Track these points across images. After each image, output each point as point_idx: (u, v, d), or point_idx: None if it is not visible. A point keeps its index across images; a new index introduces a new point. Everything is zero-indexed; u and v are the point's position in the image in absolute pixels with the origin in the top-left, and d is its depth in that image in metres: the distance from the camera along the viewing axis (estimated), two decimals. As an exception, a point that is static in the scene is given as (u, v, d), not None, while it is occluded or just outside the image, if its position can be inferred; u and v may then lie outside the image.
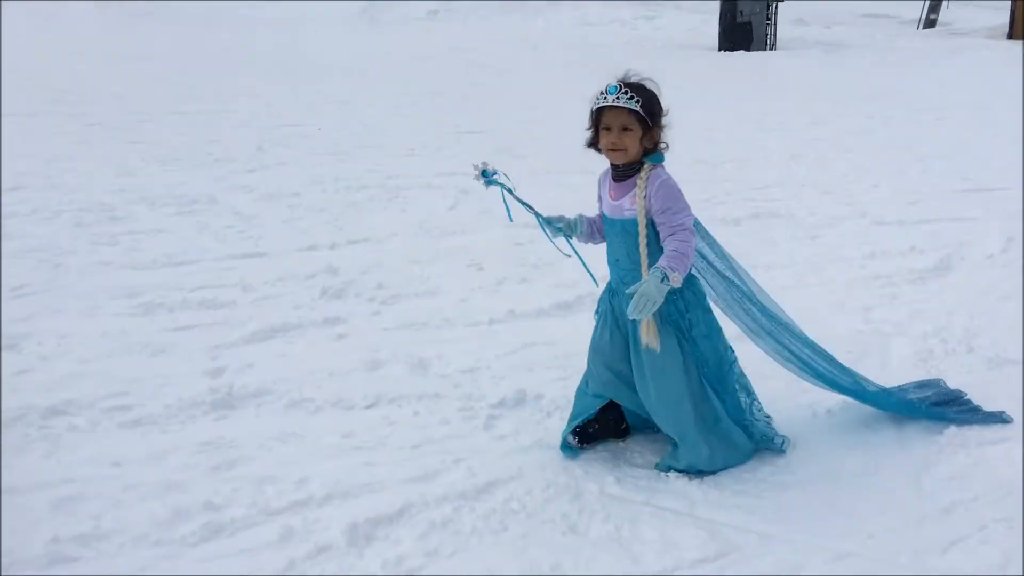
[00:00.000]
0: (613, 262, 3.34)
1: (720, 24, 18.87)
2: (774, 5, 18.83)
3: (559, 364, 4.39)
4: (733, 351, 3.48)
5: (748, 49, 18.30)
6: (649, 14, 23.51)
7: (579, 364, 4.39)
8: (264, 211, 6.95)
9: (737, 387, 3.47)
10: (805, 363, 3.61)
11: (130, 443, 3.63)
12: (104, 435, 3.69)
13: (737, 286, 3.50)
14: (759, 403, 3.58)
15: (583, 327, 4.89)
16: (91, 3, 22.57)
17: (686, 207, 3.13)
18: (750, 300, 3.51)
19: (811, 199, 7.45)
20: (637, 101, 3.05)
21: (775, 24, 18.93)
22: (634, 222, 3.13)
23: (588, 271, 3.50)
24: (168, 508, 3.15)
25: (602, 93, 3.10)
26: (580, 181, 8.08)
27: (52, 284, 5.29)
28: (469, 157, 8.65)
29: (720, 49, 18.56)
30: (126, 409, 3.87)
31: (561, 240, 3.47)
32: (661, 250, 3.09)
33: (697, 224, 3.31)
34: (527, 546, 2.99)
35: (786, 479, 3.40)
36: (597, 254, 3.56)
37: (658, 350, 3.18)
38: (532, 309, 5.11)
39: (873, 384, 3.75)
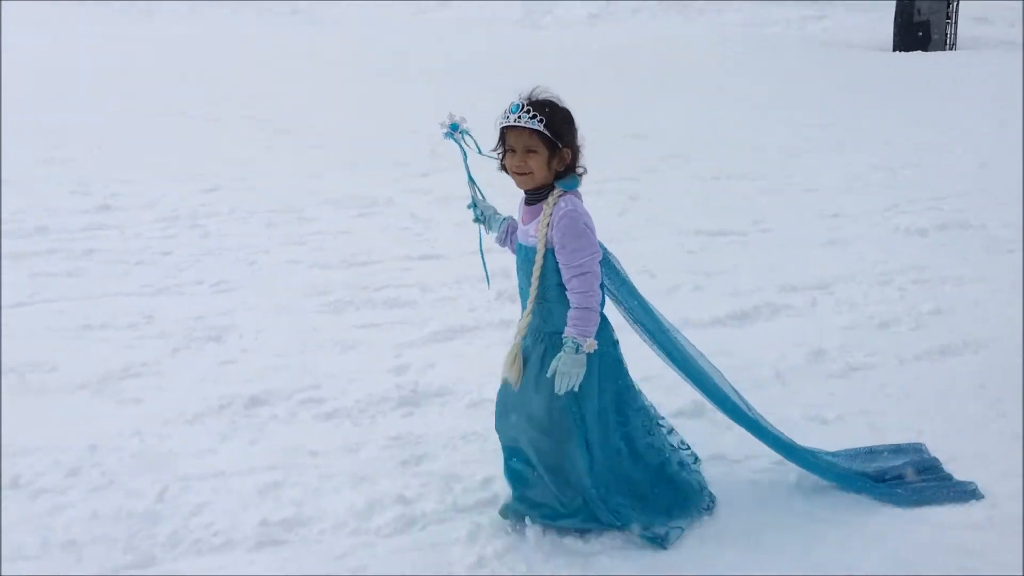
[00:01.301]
0: (519, 289, 3.04)
1: (895, 23, 18.02)
2: (955, 3, 17.83)
3: (737, 376, 4.29)
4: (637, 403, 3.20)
5: (925, 49, 17.41)
6: (817, 13, 22.73)
7: (759, 376, 4.36)
8: (438, 214, 7.17)
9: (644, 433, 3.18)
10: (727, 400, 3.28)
11: (325, 434, 3.83)
12: (301, 426, 3.92)
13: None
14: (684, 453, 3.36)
15: (762, 337, 4.85)
16: (229, 3, 23.72)
17: (589, 244, 2.80)
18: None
19: (1004, 210, 7.03)
20: (541, 120, 2.76)
21: (955, 23, 17.92)
22: (534, 250, 2.85)
23: (485, 270, 3.31)
24: (363, 499, 3.31)
25: (504, 111, 2.82)
26: (751, 187, 7.98)
27: (248, 280, 5.65)
28: (635, 163, 8.76)
29: (895, 50, 17.74)
30: (320, 402, 4.09)
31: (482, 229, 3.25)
32: (559, 284, 2.85)
33: (605, 259, 3.03)
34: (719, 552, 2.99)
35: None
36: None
37: (515, 388, 2.95)
38: (707, 318, 5.06)
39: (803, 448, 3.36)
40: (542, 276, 2.85)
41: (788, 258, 6.10)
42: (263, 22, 23.14)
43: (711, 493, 3.30)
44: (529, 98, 2.82)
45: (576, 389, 2.82)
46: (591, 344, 2.79)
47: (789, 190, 7.88)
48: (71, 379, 4.24)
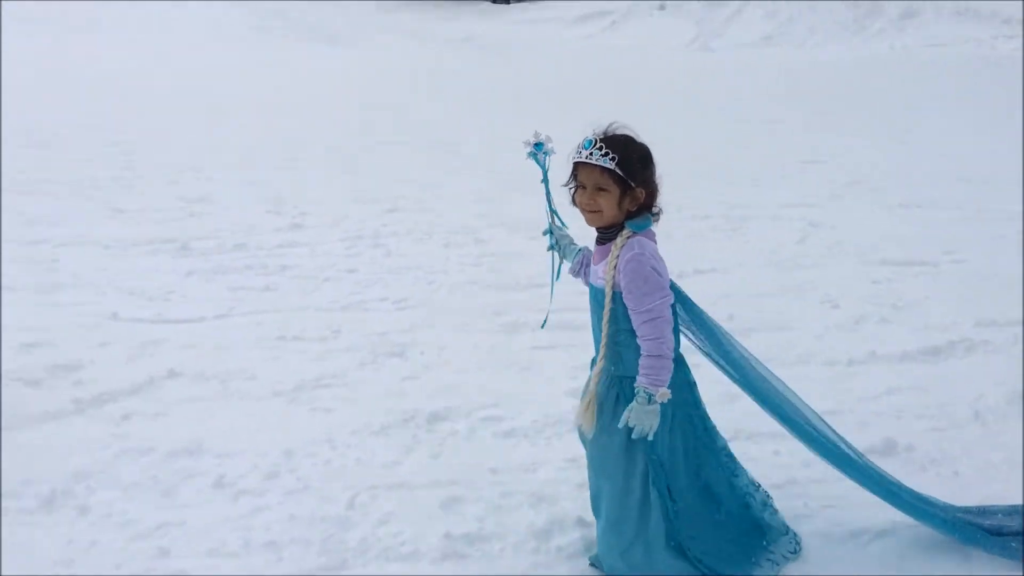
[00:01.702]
0: (592, 330, 2.95)
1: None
2: None
3: (931, 414, 4.12)
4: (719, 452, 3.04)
5: None
6: (1009, 32, 21.40)
7: (955, 416, 4.12)
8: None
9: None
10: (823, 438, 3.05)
11: (504, 452, 3.90)
12: (481, 443, 4.00)
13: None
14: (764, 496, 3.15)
15: (958, 375, 4.59)
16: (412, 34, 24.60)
17: (657, 288, 2.67)
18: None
19: None
20: (613, 158, 2.63)
21: None
22: (602, 292, 2.75)
23: (550, 305, 3.13)
24: (543, 518, 3.34)
25: (578, 146, 2.71)
26: (941, 216, 7.57)
27: (428, 299, 5.84)
28: (814, 189, 8.49)
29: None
30: (499, 420, 4.17)
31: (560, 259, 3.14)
32: (629, 329, 2.73)
33: (685, 299, 2.89)
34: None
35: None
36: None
37: (589, 436, 2.84)
38: (896, 352, 4.83)
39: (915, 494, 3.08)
40: (611, 320, 2.75)
41: (985, 290, 5.75)
42: (441, 50, 23.94)
43: (796, 534, 3.14)
44: (604, 134, 2.71)
45: (650, 437, 2.72)
46: (664, 394, 2.68)
47: (984, 218, 7.43)
48: (269, 387, 4.50)
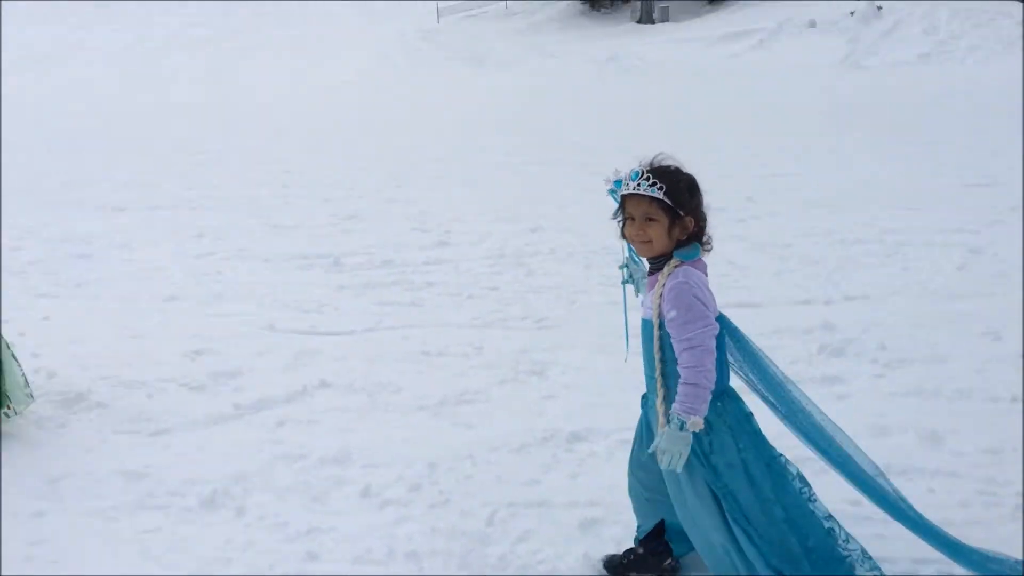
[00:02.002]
0: (644, 365, 2.89)
1: None
2: None
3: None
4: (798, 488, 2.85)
5: None
6: None
7: None
8: (755, 261, 7.03)
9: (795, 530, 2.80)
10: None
11: (643, 476, 3.86)
12: (619, 464, 3.94)
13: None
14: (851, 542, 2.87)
15: None
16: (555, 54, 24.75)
17: (700, 317, 2.63)
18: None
19: None
20: (660, 188, 2.63)
21: None
22: (650, 323, 2.73)
23: (626, 337, 3.13)
24: (684, 546, 3.30)
25: (625, 178, 2.70)
26: None
27: (569, 319, 5.88)
28: (977, 214, 8.06)
29: None
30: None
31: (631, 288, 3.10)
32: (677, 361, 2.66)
33: (735, 332, 2.82)
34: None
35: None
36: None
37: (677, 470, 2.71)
38: (1067, 390, 4.52)
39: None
40: (660, 350, 2.74)
41: None
42: (586, 71, 24.08)
43: (876, 563, 2.91)
44: (650, 165, 2.72)
45: (678, 470, 2.67)
46: (696, 423, 2.63)
47: None
48: (414, 401, 4.63)
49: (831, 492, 3.13)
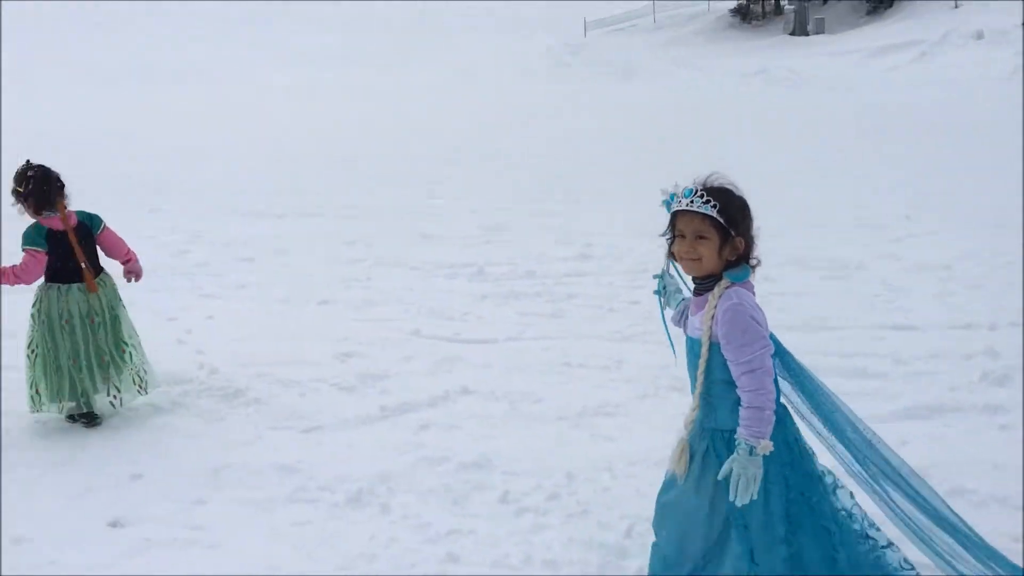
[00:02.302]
0: (689, 381, 2.84)
1: None
2: None
3: None
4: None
5: None
6: None
7: None
8: (913, 282, 6.73)
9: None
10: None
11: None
12: (762, 486, 3.89)
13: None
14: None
15: None
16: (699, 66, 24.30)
17: (757, 339, 2.60)
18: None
19: None
20: (714, 206, 2.61)
21: None
22: (699, 342, 2.69)
23: (669, 340, 3.09)
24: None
25: (677, 195, 2.69)
26: None
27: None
28: None
29: None
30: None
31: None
32: (729, 380, 2.66)
33: (784, 353, 2.81)
34: None
35: None
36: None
37: (680, 480, 2.76)
38: None
39: None
40: (707, 371, 2.71)
41: None
42: (735, 84, 23.66)
43: None
44: (704, 183, 2.70)
45: (755, 496, 2.59)
46: (766, 446, 2.58)
47: None
48: (554, 411, 4.67)
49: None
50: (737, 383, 2.65)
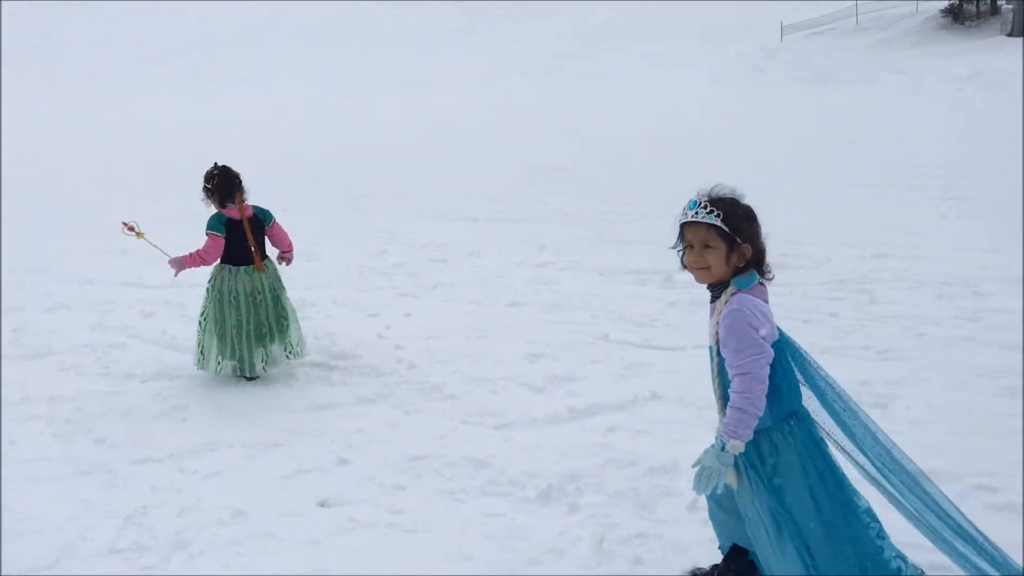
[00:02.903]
0: None
1: None
2: None
3: None
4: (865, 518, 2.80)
5: None
6: None
7: None
8: None
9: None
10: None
11: (994, 527, 3.53)
12: (971, 513, 3.66)
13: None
14: None
15: None
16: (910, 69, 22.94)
17: (751, 345, 2.65)
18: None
19: None
20: (718, 215, 2.70)
21: None
22: (711, 349, 2.79)
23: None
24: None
25: (683, 208, 2.77)
26: None
27: (917, 352, 5.50)
28: None
29: None
30: (992, 491, 3.80)
31: None
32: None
33: (799, 357, 2.86)
34: None
35: None
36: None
37: (734, 486, 2.79)
38: None
39: None
40: (720, 374, 2.79)
41: None
42: (942, 88, 22.29)
43: None
44: (708, 195, 2.78)
45: (719, 490, 2.70)
46: (736, 445, 2.64)
47: None
48: (744, 421, 4.58)
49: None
50: (730, 384, 2.71)
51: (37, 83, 38.56)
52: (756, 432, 2.72)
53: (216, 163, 5.43)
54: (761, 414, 2.69)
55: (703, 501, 3.77)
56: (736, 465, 2.79)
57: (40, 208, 12.76)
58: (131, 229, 5.31)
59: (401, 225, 10.41)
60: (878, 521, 2.90)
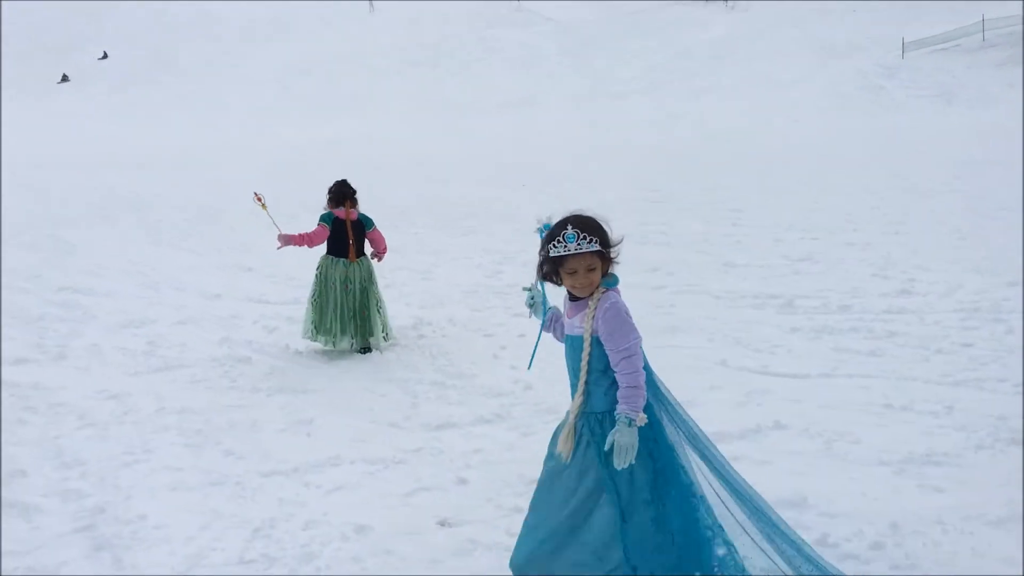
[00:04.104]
0: (569, 373, 3.29)
1: None
2: None
3: None
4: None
5: None
6: None
7: None
8: None
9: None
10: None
11: None
12: None
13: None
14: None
15: None
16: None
17: (632, 330, 3.12)
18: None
19: None
20: (596, 242, 3.06)
21: None
22: (581, 339, 3.14)
23: (533, 352, 3.54)
24: None
25: (560, 241, 3.06)
26: None
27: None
28: None
29: None
30: None
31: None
32: (603, 369, 3.13)
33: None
34: None
35: None
36: None
37: (567, 461, 3.19)
38: None
39: None
40: (589, 363, 3.14)
41: None
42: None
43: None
44: (579, 225, 3.07)
45: (633, 461, 2.99)
46: (642, 418, 3.03)
47: None
48: (874, 454, 4.41)
49: None
50: (616, 368, 3.09)
51: (169, 105, 40.62)
52: (598, 413, 3.15)
53: (339, 179, 6.63)
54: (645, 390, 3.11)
55: (835, 538, 3.66)
56: (578, 440, 3.19)
57: (171, 224, 13.36)
58: (259, 199, 6.38)
59: (514, 245, 10.46)
60: (696, 496, 3.24)
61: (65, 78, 48.00)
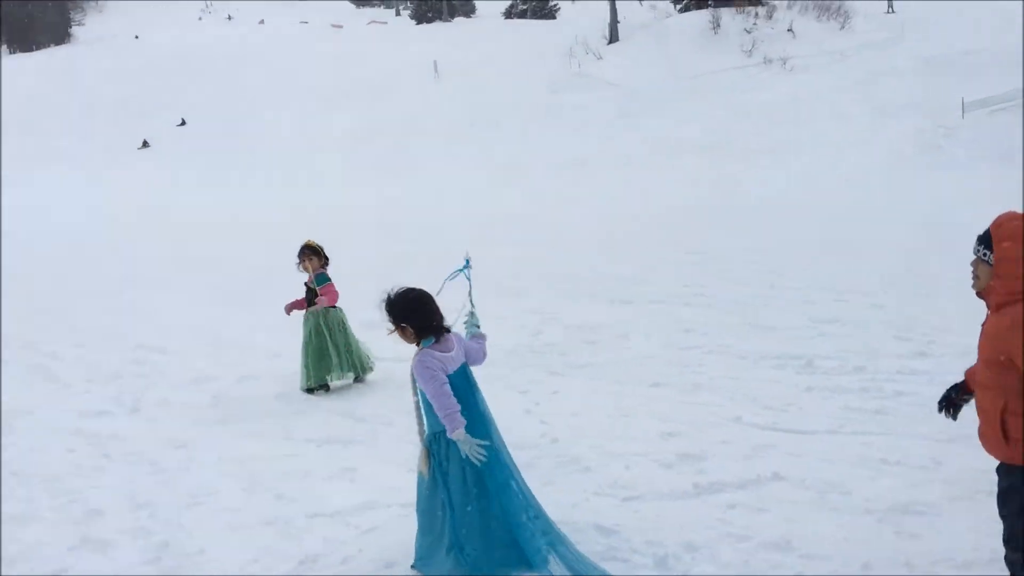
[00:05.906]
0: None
1: None
2: None
3: None
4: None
5: None
6: None
7: None
8: None
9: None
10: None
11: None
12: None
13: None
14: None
15: None
16: None
17: (432, 379, 4.17)
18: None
19: None
20: (392, 320, 4.28)
21: None
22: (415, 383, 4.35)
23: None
24: None
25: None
26: None
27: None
28: None
29: None
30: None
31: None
32: (428, 401, 4.26)
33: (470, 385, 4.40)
34: None
35: None
36: None
37: (427, 476, 4.36)
38: None
39: None
40: (420, 395, 4.33)
41: None
42: None
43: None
44: (387, 300, 4.28)
45: (483, 458, 4.16)
46: (460, 434, 4.15)
47: None
48: (861, 503, 4.81)
49: None
50: (432, 403, 4.17)
51: (239, 168, 42.47)
52: (437, 432, 4.24)
53: (309, 240, 8.00)
54: (456, 413, 4.13)
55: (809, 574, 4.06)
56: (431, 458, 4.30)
57: (237, 285, 14.21)
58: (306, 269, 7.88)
59: (558, 306, 10.98)
60: (522, 495, 4.37)
61: (145, 144, 50.45)
